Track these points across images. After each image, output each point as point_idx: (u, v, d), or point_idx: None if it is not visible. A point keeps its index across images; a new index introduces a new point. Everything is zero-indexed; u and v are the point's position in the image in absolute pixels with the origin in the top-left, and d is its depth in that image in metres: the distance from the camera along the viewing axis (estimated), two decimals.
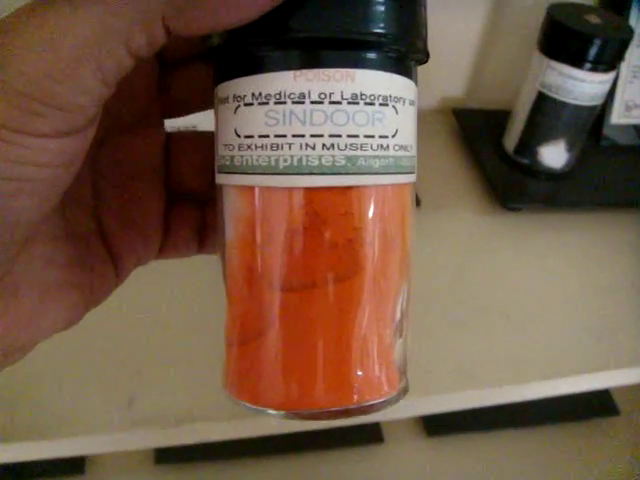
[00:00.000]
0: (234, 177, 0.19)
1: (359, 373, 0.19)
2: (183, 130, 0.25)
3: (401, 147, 0.18)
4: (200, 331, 0.39)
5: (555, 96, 0.49)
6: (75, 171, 0.17)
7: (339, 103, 0.17)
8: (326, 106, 0.17)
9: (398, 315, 0.20)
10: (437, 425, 0.67)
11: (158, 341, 0.38)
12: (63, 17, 0.14)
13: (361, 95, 0.17)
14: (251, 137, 0.18)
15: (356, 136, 0.17)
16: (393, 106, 0.18)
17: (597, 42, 0.46)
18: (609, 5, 0.58)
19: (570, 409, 0.70)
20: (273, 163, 0.17)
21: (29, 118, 0.14)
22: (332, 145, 0.17)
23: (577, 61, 0.47)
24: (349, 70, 0.17)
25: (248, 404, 0.20)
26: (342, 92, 0.17)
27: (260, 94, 0.17)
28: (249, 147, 0.18)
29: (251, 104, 0.18)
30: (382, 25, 0.17)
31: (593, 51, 0.46)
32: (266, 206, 0.18)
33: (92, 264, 0.22)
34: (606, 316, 0.45)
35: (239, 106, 0.18)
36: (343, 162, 0.17)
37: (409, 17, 0.18)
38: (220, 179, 0.20)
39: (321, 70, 0.17)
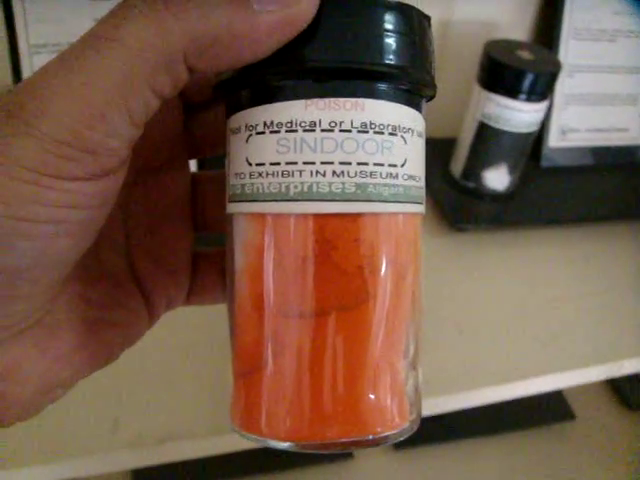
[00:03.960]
0: (245, 205, 0.18)
1: (370, 404, 0.18)
2: (208, 170, 0.25)
3: (410, 177, 0.18)
4: (179, 353, 0.39)
5: (495, 125, 0.52)
6: (107, 212, 0.17)
7: (349, 131, 0.17)
8: (336, 134, 0.17)
9: (409, 345, 0.19)
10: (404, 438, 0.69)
11: (139, 366, 0.37)
12: (90, 65, 0.15)
13: (370, 124, 0.17)
14: (262, 165, 0.18)
15: (366, 164, 0.17)
16: (402, 136, 0.18)
17: (529, 76, 0.49)
18: (541, 41, 0.62)
19: (528, 415, 0.72)
20: (284, 190, 0.17)
21: (63, 163, 0.15)
22: (342, 172, 0.17)
23: (512, 93, 0.50)
24: (359, 100, 0.17)
25: (257, 436, 0.19)
26: (352, 121, 0.17)
27: (272, 123, 0.17)
28: (260, 174, 0.18)
29: (263, 133, 0.18)
30: (392, 57, 0.17)
31: (526, 84, 0.49)
32: (276, 233, 0.18)
33: (126, 303, 0.22)
34: (550, 325, 0.47)
35: (251, 135, 0.18)
36: (353, 189, 0.17)
37: (418, 51, 0.18)
38: (231, 208, 0.19)
39: (332, 99, 0.17)
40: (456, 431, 0.71)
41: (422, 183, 0.19)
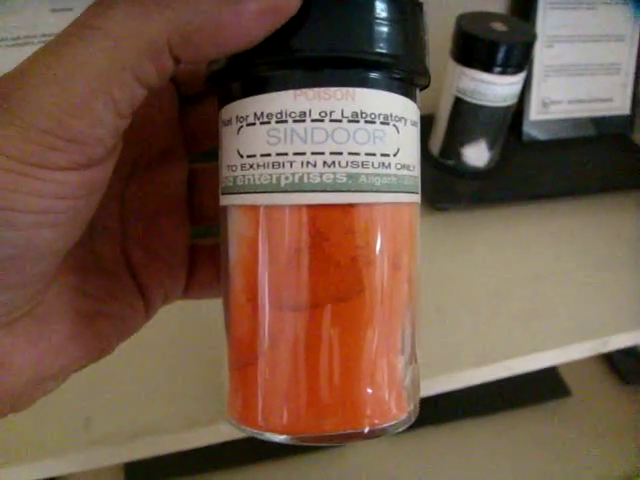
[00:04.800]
0: (237, 197, 0.18)
1: (367, 395, 0.18)
2: (205, 163, 0.26)
3: (403, 166, 0.18)
4: (150, 348, 0.39)
5: (470, 100, 0.51)
6: (96, 203, 0.17)
7: (339, 121, 0.17)
8: (327, 124, 0.17)
9: (406, 336, 0.20)
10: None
11: (110, 362, 0.38)
12: (74, 53, 0.15)
13: (361, 113, 0.17)
14: (253, 156, 0.18)
15: (357, 154, 0.17)
16: (394, 125, 0.18)
17: (502, 48, 0.48)
18: (517, 12, 0.61)
19: (523, 394, 0.73)
20: (275, 181, 0.17)
21: (47, 152, 0.15)
22: (333, 162, 0.17)
23: (486, 66, 0.49)
24: (349, 89, 0.17)
25: (253, 430, 0.19)
26: (342, 110, 0.17)
27: (262, 114, 0.17)
28: (251, 166, 0.18)
29: (253, 124, 0.18)
30: (382, 45, 0.17)
31: (500, 56, 0.48)
32: (268, 225, 0.18)
33: (121, 296, 0.22)
34: (534, 303, 0.47)
35: (242, 127, 0.18)
36: (344, 179, 0.17)
37: (410, 39, 0.18)
38: (223, 200, 0.19)
39: (321, 89, 0.17)
40: (449, 413, 0.71)
41: (416, 172, 0.19)
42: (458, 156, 0.55)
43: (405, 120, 0.18)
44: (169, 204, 0.24)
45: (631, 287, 0.50)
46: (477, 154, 0.54)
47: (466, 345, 0.43)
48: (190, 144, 0.24)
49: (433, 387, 0.42)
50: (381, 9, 0.17)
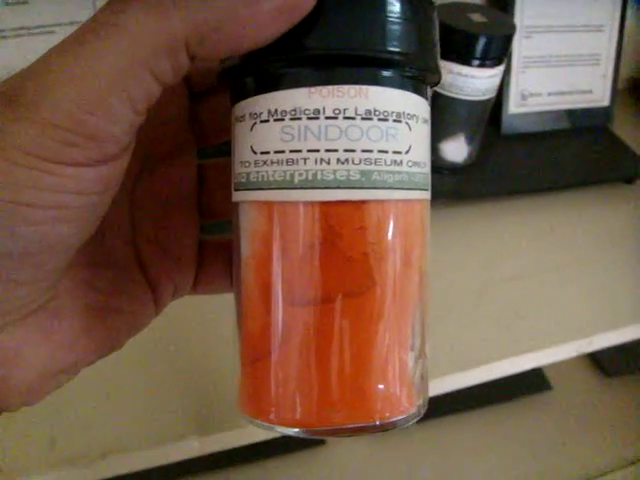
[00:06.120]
0: (250, 193, 0.19)
1: (378, 389, 0.19)
2: (215, 159, 0.26)
3: (415, 163, 0.19)
4: (116, 366, 0.38)
5: (448, 93, 0.51)
6: (110, 198, 0.18)
7: (353, 119, 0.18)
8: (340, 121, 0.18)
9: (416, 331, 0.20)
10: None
11: (73, 381, 0.37)
12: (91, 50, 0.15)
13: (374, 111, 0.18)
14: (267, 153, 0.18)
15: (370, 151, 0.18)
16: (406, 123, 0.19)
17: (481, 40, 0.47)
18: (495, 2, 0.61)
19: (504, 389, 0.73)
20: (288, 178, 0.18)
21: (64, 148, 0.15)
22: (346, 160, 0.18)
23: (464, 59, 0.49)
24: (362, 87, 0.18)
25: (265, 423, 0.20)
26: (356, 108, 0.18)
27: (276, 111, 0.18)
28: (265, 163, 0.18)
29: (267, 121, 0.18)
30: (395, 43, 0.18)
31: (478, 48, 0.48)
32: (281, 221, 0.19)
33: (131, 291, 0.23)
34: (515, 302, 0.46)
35: (255, 123, 0.18)
36: (357, 176, 0.18)
37: (422, 37, 0.19)
38: (236, 196, 0.20)
39: (335, 87, 0.18)
40: (429, 409, 0.70)
41: (427, 169, 0.20)
42: (436, 152, 0.55)
43: (417, 118, 0.19)
44: (179, 200, 0.24)
45: (614, 283, 0.50)
46: (455, 149, 0.54)
47: (446, 349, 0.42)
48: (200, 140, 0.25)
49: None
50: (394, 7, 0.18)
